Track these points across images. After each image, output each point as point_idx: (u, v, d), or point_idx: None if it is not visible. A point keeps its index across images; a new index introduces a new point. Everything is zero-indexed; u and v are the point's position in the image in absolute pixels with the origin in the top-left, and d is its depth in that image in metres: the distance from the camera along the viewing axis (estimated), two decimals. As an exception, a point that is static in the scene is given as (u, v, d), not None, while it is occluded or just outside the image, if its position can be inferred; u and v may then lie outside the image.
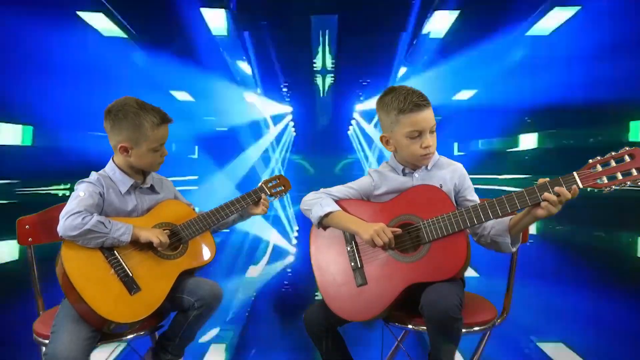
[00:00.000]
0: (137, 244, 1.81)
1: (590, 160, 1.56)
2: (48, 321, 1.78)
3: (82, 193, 1.79)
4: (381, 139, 1.89)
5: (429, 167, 1.87)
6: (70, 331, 1.66)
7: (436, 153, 1.88)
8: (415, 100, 1.76)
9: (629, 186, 1.52)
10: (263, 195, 2.08)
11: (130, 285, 1.74)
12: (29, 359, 2.55)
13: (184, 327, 1.83)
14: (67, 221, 1.72)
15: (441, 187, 1.81)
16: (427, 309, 1.61)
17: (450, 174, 1.86)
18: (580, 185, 1.56)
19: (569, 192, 1.56)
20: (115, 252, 1.77)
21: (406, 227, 1.76)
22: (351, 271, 1.80)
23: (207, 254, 1.93)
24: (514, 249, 1.78)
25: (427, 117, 1.78)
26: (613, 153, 1.54)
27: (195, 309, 1.79)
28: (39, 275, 1.97)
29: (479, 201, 1.85)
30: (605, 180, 1.53)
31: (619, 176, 1.53)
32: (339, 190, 1.90)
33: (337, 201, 1.86)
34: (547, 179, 1.60)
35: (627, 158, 1.53)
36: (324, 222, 1.84)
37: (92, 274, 1.72)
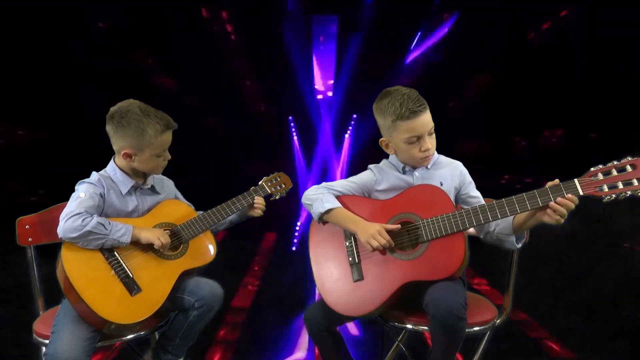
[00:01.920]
0: (137, 245, 1.81)
1: (592, 168, 1.56)
2: (48, 321, 1.78)
3: (82, 194, 1.79)
4: (381, 142, 1.89)
5: (429, 166, 1.87)
6: (71, 331, 1.66)
7: (435, 152, 1.88)
8: (412, 107, 1.74)
9: (629, 196, 1.52)
10: (257, 198, 2.07)
11: (131, 286, 1.74)
12: (29, 359, 2.55)
13: (185, 327, 1.83)
14: (67, 223, 1.71)
15: (441, 185, 1.81)
16: (432, 307, 1.61)
17: (450, 172, 1.86)
18: (581, 193, 1.55)
19: (571, 202, 1.55)
20: (115, 253, 1.77)
21: (405, 225, 1.76)
22: (348, 266, 1.80)
23: (208, 253, 1.93)
24: (519, 246, 1.79)
25: (424, 121, 1.77)
26: (615, 162, 1.54)
27: (196, 309, 1.79)
28: (39, 275, 1.97)
29: (481, 197, 1.87)
30: (606, 189, 1.53)
31: (620, 185, 1.52)
32: (340, 184, 1.91)
33: (339, 197, 1.87)
34: (557, 180, 1.59)
35: (628, 168, 1.52)
36: (324, 218, 1.85)
37: (93, 275, 1.72)
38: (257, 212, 2.07)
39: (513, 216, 1.71)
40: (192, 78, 5.27)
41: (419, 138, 1.78)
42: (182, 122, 1.94)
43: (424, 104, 1.78)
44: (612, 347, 2.63)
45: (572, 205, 1.55)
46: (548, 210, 1.58)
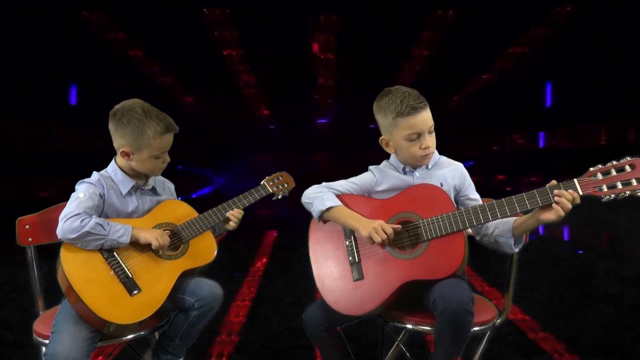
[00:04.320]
0: (137, 245, 1.80)
1: (592, 168, 1.57)
2: (48, 321, 1.78)
3: (82, 194, 1.79)
4: (381, 141, 1.89)
5: (429, 167, 1.87)
6: (71, 331, 1.66)
7: (436, 152, 1.88)
8: (412, 104, 1.76)
9: (628, 196, 1.52)
10: (232, 211, 1.99)
11: (130, 286, 1.74)
12: (29, 359, 2.55)
13: (185, 327, 1.82)
14: (66, 224, 1.71)
15: (441, 185, 1.82)
16: (442, 302, 1.60)
17: (450, 173, 1.87)
18: (580, 192, 1.56)
19: (572, 196, 1.55)
20: (114, 253, 1.77)
21: (405, 224, 1.77)
22: (348, 265, 1.80)
23: (208, 253, 1.92)
24: (516, 250, 1.79)
25: (424, 118, 1.78)
26: (614, 162, 1.55)
27: (196, 309, 1.79)
28: (39, 275, 1.97)
29: (480, 199, 1.86)
30: (605, 188, 1.53)
31: (619, 185, 1.52)
32: (341, 184, 1.91)
33: (339, 196, 1.87)
34: (554, 181, 1.60)
35: (627, 168, 1.53)
36: (324, 216, 1.85)
37: (92, 275, 1.71)
38: (232, 225, 2.00)
39: (514, 219, 1.72)
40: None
41: (419, 135, 1.78)
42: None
43: (424, 101, 1.79)
44: (613, 347, 2.63)
45: (570, 197, 1.56)
46: (554, 205, 1.58)
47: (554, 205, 1.58)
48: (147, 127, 1.80)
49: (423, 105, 1.78)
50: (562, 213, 1.57)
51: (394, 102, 1.78)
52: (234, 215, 1.99)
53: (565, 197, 1.56)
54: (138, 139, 1.81)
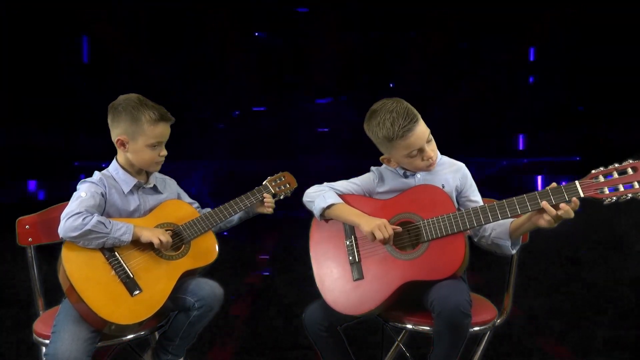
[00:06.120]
0: (138, 244, 1.81)
1: (593, 171, 1.56)
2: (48, 321, 1.78)
3: (83, 193, 1.79)
4: (382, 160, 1.89)
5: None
6: (71, 331, 1.66)
7: (438, 153, 1.87)
8: (404, 125, 1.70)
9: (630, 199, 1.51)
10: (266, 196, 2.06)
11: (131, 286, 1.74)
12: (29, 359, 2.55)
13: (185, 327, 1.82)
14: (68, 222, 1.71)
15: (443, 187, 1.81)
16: (438, 304, 1.60)
17: (452, 174, 1.86)
18: (582, 195, 1.55)
19: (569, 206, 1.54)
20: (116, 253, 1.77)
21: (406, 225, 1.77)
22: (348, 265, 1.80)
23: (210, 254, 1.92)
24: (514, 252, 1.79)
25: (420, 134, 1.74)
26: (616, 165, 1.54)
27: (196, 310, 1.79)
28: (39, 275, 1.97)
29: (481, 201, 1.86)
30: (606, 191, 1.53)
31: (621, 188, 1.52)
32: (342, 185, 1.91)
33: (340, 195, 1.88)
34: (554, 184, 1.59)
35: (630, 171, 1.52)
36: (325, 214, 1.85)
37: (93, 275, 1.71)
38: (267, 209, 2.06)
39: (510, 221, 1.72)
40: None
41: (420, 150, 1.76)
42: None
43: (415, 115, 1.74)
44: (614, 347, 2.63)
45: (554, 213, 1.55)
46: (544, 215, 1.57)
47: (544, 215, 1.57)
48: (142, 114, 1.81)
49: (415, 121, 1.72)
50: (550, 219, 1.56)
51: (384, 125, 1.73)
52: (270, 200, 2.05)
53: (549, 212, 1.55)
54: (132, 125, 1.82)
